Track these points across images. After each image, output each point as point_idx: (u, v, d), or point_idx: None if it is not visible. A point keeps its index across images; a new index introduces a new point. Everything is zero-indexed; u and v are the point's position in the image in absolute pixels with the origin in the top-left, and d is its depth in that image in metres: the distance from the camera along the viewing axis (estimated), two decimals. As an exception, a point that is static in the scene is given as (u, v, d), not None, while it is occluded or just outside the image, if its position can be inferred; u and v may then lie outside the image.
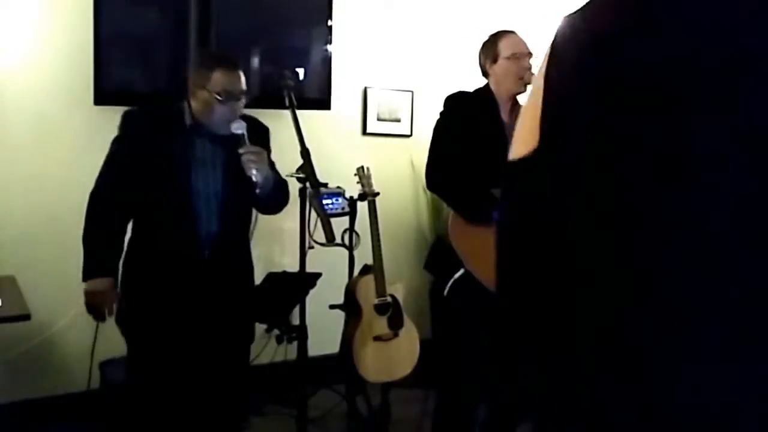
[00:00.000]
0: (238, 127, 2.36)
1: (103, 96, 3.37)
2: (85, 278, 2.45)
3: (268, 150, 2.56)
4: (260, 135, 2.52)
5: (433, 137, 2.75)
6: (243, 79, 2.43)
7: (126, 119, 2.48)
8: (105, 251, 2.46)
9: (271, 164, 2.55)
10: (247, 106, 2.49)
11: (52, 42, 3.40)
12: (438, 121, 2.76)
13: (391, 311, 3.52)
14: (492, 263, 2.91)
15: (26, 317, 2.54)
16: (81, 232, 3.40)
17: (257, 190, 2.35)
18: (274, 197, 2.51)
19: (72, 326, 3.48)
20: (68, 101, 3.44)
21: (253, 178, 2.32)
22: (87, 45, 3.31)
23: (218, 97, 2.35)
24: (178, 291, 2.41)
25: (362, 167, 3.59)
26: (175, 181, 2.40)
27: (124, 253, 2.52)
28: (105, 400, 3.27)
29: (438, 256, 2.84)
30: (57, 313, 3.44)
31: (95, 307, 2.45)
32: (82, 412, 3.34)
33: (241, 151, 2.33)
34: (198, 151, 2.45)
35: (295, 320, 3.07)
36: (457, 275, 2.65)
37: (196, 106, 2.42)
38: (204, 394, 2.54)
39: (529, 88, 2.73)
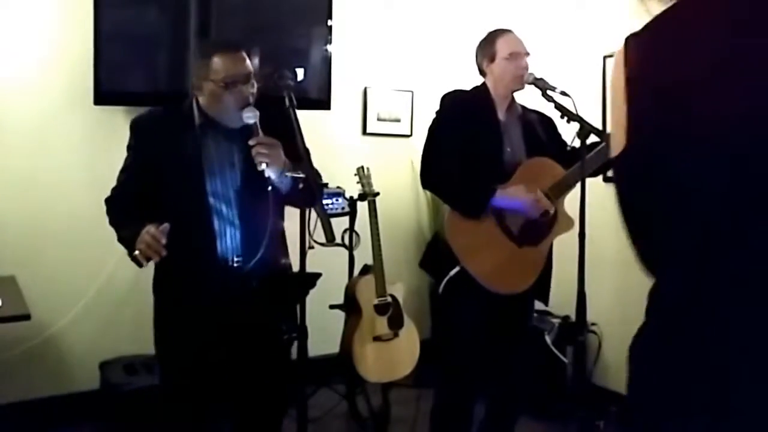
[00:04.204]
0: (250, 116, 2.17)
1: (103, 96, 3.36)
2: (133, 244, 2.12)
3: (302, 138, 2.34)
4: (286, 123, 2.28)
5: (428, 135, 2.73)
6: (248, 61, 2.24)
7: (134, 126, 2.35)
8: (138, 225, 2.13)
9: (305, 154, 2.31)
10: (260, 86, 2.30)
11: (53, 42, 3.40)
12: (434, 120, 2.76)
13: (391, 311, 3.52)
14: (486, 260, 2.91)
15: (26, 317, 2.54)
16: (81, 232, 3.43)
17: (269, 187, 2.18)
18: (297, 195, 2.27)
19: (72, 326, 3.48)
20: (68, 101, 3.44)
21: (265, 173, 2.14)
22: (87, 45, 3.31)
23: (221, 87, 2.18)
24: (209, 301, 2.27)
25: (362, 167, 3.59)
26: (189, 185, 2.25)
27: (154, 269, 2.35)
28: (104, 400, 3.27)
29: (433, 253, 2.84)
30: (57, 313, 3.45)
31: (146, 243, 2.08)
32: (81, 412, 3.35)
33: (250, 142, 2.15)
34: (212, 150, 2.28)
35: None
36: (452, 273, 2.65)
37: (203, 101, 2.27)
38: (245, 405, 2.45)
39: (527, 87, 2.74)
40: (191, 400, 2.35)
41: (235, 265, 2.31)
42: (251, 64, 2.25)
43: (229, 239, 2.31)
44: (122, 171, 2.37)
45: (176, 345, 2.35)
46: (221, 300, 2.27)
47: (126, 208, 2.30)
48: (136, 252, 2.09)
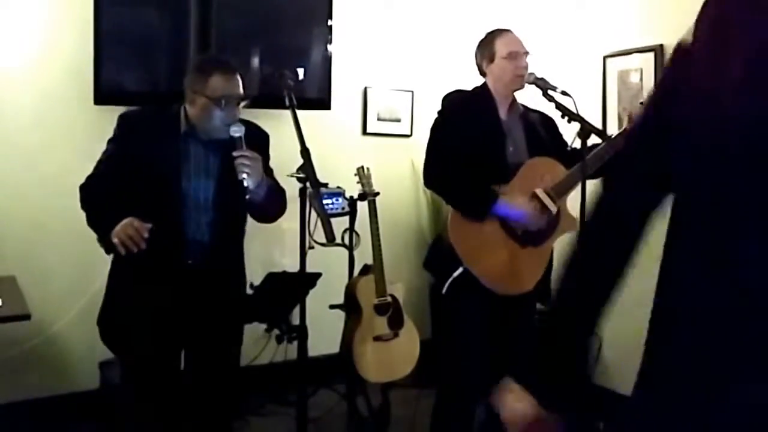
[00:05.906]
0: (237, 131, 2.32)
1: (103, 96, 3.37)
2: (108, 236, 2.25)
3: (267, 157, 2.52)
4: (260, 141, 2.47)
5: (430, 135, 2.75)
6: (240, 83, 2.38)
7: (121, 121, 2.46)
8: (114, 213, 2.28)
9: (269, 171, 2.51)
10: (246, 106, 2.45)
11: (53, 42, 3.40)
12: (436, 120, 2.77)
13: (391, 311, 3.52)
14: (490, 262, 2.90)
15: (26, 317, 2.54)
16: (81, 232, 3.42)
17: (247, 196, 2.30)
18: (268, 205, 2.44)
19: (72, 326, 3.48)
20: (68, 101, 3.44)
21: (244, 183, 2.27)
22: (87, 45, 3.31)
23: (216, 104, 2.31)
24: (162, 297, 2.38)
25: (362, 167, 3.59)
26: (165, 186, 2.36)
27: (111, 259, 2.46)
28: (104, 400, 3.27)
29: (437, 254, 2.84)
30: (57, 313, 3.44)
31: (129, 234, 2.21)
32: (81, 412, 3.35)
33: (234, 153, 2.29)
34: (191, 157, 2.41)
35: (295, 320, 3.06)
36: (455, 274, 2.65)
37: (193, 111, 2.38)
38: (192, 399, 2.53)
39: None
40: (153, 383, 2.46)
41: (194, 264, 2.41)
42: (242, 86, 2.40)
43: (192, 240, 2.41)
44: (101, 161, 2.46)
45: (127, 333, 2.47)
46: (180, 301, 2.39)
47: (101, 197, 2.40)
48: (116, 240, 2.21)
